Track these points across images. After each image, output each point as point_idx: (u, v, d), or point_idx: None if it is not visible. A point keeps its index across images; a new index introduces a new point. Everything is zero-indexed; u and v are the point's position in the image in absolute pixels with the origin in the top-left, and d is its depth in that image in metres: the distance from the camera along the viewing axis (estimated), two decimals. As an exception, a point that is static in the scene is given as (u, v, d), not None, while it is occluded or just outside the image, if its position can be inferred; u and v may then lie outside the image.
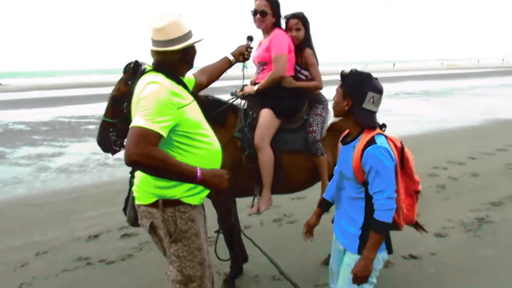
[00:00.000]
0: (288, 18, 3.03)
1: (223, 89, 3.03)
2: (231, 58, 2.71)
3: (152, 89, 1.77)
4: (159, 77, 1.84)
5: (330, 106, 3.18)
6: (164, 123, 1.72)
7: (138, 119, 1.70)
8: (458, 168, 6.41)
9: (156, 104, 1.72)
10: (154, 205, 1.92)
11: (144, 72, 1.99)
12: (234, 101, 3.05)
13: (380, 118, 3.24)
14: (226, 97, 3.08)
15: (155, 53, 1.93)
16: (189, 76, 2.36)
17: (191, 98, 1.96)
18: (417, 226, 2.38)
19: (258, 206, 2.91)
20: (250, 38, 2.88)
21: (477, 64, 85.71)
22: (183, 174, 1.74)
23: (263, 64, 3.06)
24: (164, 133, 1.72)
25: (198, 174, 1.74)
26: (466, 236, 3.90)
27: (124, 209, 2.33)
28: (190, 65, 2.04)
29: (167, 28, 1.86)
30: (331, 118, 3.06)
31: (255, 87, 2.98)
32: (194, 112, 1.93)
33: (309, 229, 2.39)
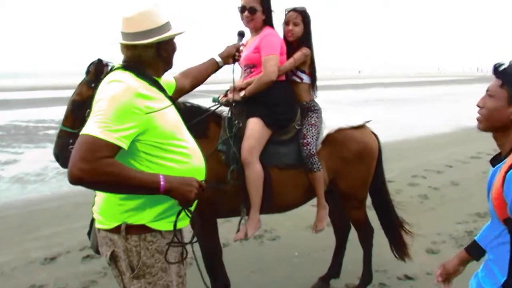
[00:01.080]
0: (288, 12, 2.72)
1: (204, 93, 2.67)
2: (219, 60, 2.37)
3: (113, 89, 1.50)
4: (125, 75, 1.57)
5: (323, 114, 2.91)
6: (123, 131, 1.45)
7: (90, 126, 1.44)
8: (437, 176, 6.36)
9: (115, 107, 1.45)
10: (116, 230, 1.61)
11: (110, 71, 1.66)
12: (216, 108, 2.69)
13: (347, 120, 2.88)
14: (207, 103, 2.72)
15: (124, 48, 1.65)
16: (169, 79, 2.03)
17: (167, 102, 1.68)
18: None
19: (246, 230, 2.55)
20: (241, 34, 2.53)
21: (438, 72, 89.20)
22: (143, 186, 1.47)
23: (250, 67, 2.72)
24: (123, 144, 1.45)
25: (162, 182, 1.47)
26: (459, 252, 3.72)
27: (89, 233, 1.95)
28: (167, 64, 1.76)
29: (138, 17, 1.59)
30: (326, 128, 2.76)
31: (242, 93, 2.63)
32: (169, 119, 1.64)
33: (447, 277, 1.76)
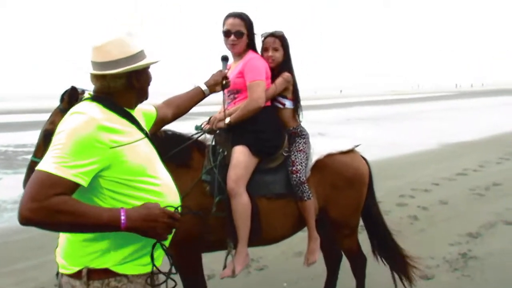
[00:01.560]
0: (265, 37, 2.62)
1: (189, 116, 2.53)
2: (204, 88, 2.25)
3: (73, 122, 1.41)
4: (90, 107, 1.49)
5: (312, 139, 2.80)
6: (82, 167, 1.35)
7: (45, 161, 1.35)
8: (424, 195, 6.30)
9: (74, 141, 1.36)
10: (78, 275, 1.47)
11: (80, 101, 1.56)
12: (199, 136, 2.55)
13: (336, 145, 2.87)
14: (192, 125, 2.60)
15: (94, 78, 1.57)
16: (149, 109, 1.92)
17: (139, 135, 1.58)
18: None
19: (233, 266, 2.38)
20: (225, 59, 2.42)
21: (417, 89, 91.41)
22: (102, 224, 1.35)
23: (234, 92, 2.60)
24: (81, 181, 1.35)
25: (122, 219, 1.35)
26: (455, 277, 3.60)
27: (58, 274, 1.77)
28: (141, 95, 1.67)
29: (108, 46, 1.52)
30: (314, 154, 2.64)
31: (227, 120, 2.50)
32: (140, 153, 1.53)
33: None
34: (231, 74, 2.61)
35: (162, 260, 1.58)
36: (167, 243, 1.56)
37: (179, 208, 1.56)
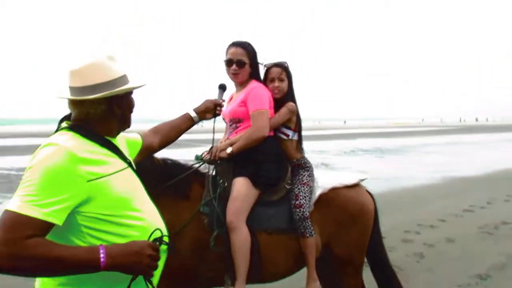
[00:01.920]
0: (270, 67, 2.59)
1: (190, 142, 2.45)
2: (194, 115, 2.17)
3: (45, 155, 1.30)
4: (65, 137, 1.38)
5: (315, 171, 2.71)
6: (56, 205, 1.24)
7: (14, 200, 1.24)
8: (431, 232, 6.10)
9: (46, 176, 1.25)
10: None
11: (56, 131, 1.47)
12: (199, 166, 2.47)
13: (341, 178, 2.73)
14: (193, 153, 2.53)
15: (71, 104, 1.47)
16: (133, 137, 1.83)
17: (121, 164, 1.47)
18: None
19: (230, 304, 2.24)
20: (222, 87, 2.38)
21: (421, 122, 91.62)
22: (80, 266, 1.24)
23: (236, 121, 2.54)
24: (55, 220, 1.24)
25: (102, 258, 1.24)
26: (466, 322, 3.40)
27: None
28: (123, 122, 1.57)
29: (86, 70, 1.42)
30: (318, 188, 2.54)
31: (228, 149, 2.43)
32: (121, 184, 1.42)
33: None
34: (234, 102, 2.57)
35: None
36: (155, 281, 1.43)
37: (166, 238, 1.44)
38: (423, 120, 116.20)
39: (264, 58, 2.64)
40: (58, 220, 1.25)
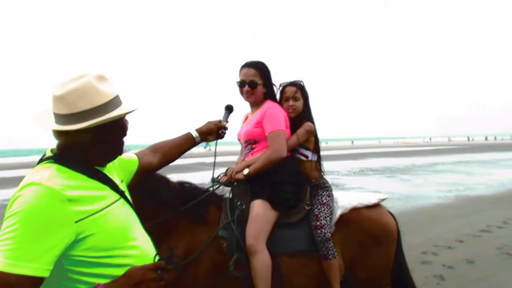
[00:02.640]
0: (285, 86, 2.57)
1: (201, 166, 2.39)
2: (195, 135, 2.05)
3: (26, 198, 1.14)
4: (48, 173, 1.23)
5: (335, 192, 2.65)
6: (44, 256, 1.11)
7: None
8: (449, 253, 5.93)
9: (28, 225, 1.11)
10: None
11: (39, 162, 1.34)
12: (216, 189, 2.43)
13: (360, 198, 2.62)
14: (204, 176, 2.47)
15: (55, 133, 1.32)
16: (129, 157, 1.70)
17: (112, 196, 1.35)
18: None
19: (252, 332, 2.15)
20: (228, 109, 2.31)
21: (429, 142, 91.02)
22: None
23: (252, 143, 2.51)
24: (46, 273, 1.12)
25: None
26: None
27: None
28: (114, 150, 1.42)
29: (71, 95, 1.25)
30: (339, 208, 2.47)
31: (245, 171, 2.38)
32: (112, 220, 1.30)
33: None
34: (249, 124, 2.54)
35: None
36: None
37: (156, 257, 1.34)
38: (430, 139, 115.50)
39: (282, 78, 2.64)
40: (48, 273, 1.14)
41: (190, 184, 2.37)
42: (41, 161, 1.34)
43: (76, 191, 1.22)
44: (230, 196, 2.43)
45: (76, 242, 1.20)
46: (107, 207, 1.29)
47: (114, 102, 1.32)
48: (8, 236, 1.10)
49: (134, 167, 1.72)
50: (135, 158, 1.76)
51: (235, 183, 2.43)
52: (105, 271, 1.25)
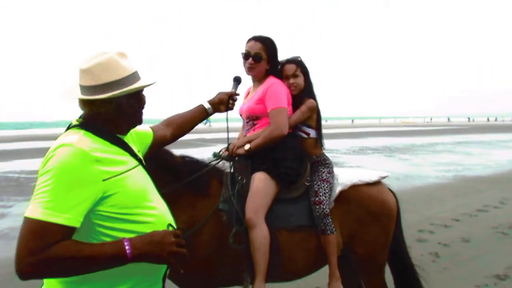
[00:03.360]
0: (283, 64, 2.53)
1: (202, 142, 2.40)
2: (208, 106, 2.12)
3: (60, 157, 1.29)
4: (77, 137, 1.37)
5: (335, 169, 2.66)
6: (76, 208, 1.26)
7: (34, 206, 1.24)
8: (445, 231, 6.02)
9: (63, 180, 1.26)
10: None
11: (67, 129, 1.48)
12: (217, 163, 2.44)
13: (361, 175, 2.65)
14: (205, 152, 2.47)
15: (82, 103, 1.47)
16: (144, 130, 1.81)
17: (132, 162, 1.48)
18: None
19: (250, 303, 2.20)
20: (237, 80, 2.32)
21: (429, 122, 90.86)
22: (107, 261, 1.29)
23: (253, 119, 2.50)
24: (77, 224, 1.27)
25: (127, 250, 1.29)
26: (486, 324, 3.32)
27: None
28: (133, 120, 1.56)
29: (96, 69, 1.40)
30: (339, 185, 2.48)
31: (246, 146, 2.39)
32: (133, 182, 1.44)
33: None
34: (251, 99, 2.52)
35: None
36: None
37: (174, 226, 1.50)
38: (431, 119, 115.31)
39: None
40: (79, 224, 1.28)
41: (191, 158, 2.37)
42: (68, 128, 1.47)
43: (101, 154, 1.36)
44: (231, 170, 2.44)
45: (102, 198, 1.32)
46: (128, 170, 1.41)
47: (134, 76, 1.46)
48: (44, 189, 1.24)
49: (149, 139, 1.83)
50: (150, 131, 1.88)
51: (236, 158, 2.44)
52: (128, 227, 1.37)
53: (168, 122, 2.03)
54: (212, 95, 2.24)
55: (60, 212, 1.23)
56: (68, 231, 1.26)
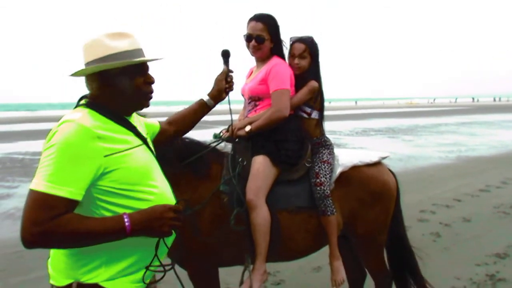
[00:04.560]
0: (293, 42, 2.50)
1: (205, 124, 2.41)
2: (207, 99, 2.08)
3: (63, 132, 1.33)
4: (79, 114, 1.40)
5: (336, 150, 2.66)
6: (78, 182, 1.30)
7: (38, 179, 1.29)
8: (446, 211, 6.05)
9: (66, 154, 1.30)
10: None
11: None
12: (218, 144, 2.44)
13: (361, 156, 2.62)
14: (208, 135, 2.48)
15: (87, 80, 1.51)
16: (152, 121, 1.87)
17: (135, 141, 1.51)
18: None
19: (250, 282, 2.24)
20: (225, 55, 2.15)
21: (433, 103, 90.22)
22: (107, 234, 1.33)
23: (255, 99, 2.49)
24: (79, 197, 1.32)
25: (127, 224, 1.33)
26: (484, 300, 3.37)
27: None
28: (139, 99, 1.54)
29: (87, 46, 1.47)
30: (339, 166, 2.49)
31: (247, 128, 2.39)
32: (136, 161, 1.47)
33: None
34: (254, 80, 2.50)
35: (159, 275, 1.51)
36: (170, 241, 1.52)
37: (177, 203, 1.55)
38: (434, 100, 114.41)
39: (293, 34, 2.55)
40: (81, 197, 1.32)
41: (191, 139, 2.37)
42: (75, 107, 1.51)
43: (104, 131, 1.39)
44: (232, 152, 2.44)
45: (103, 174, 1.36)
46: (130, 148, 1.45)
47: (137, 53, 1.48)
48: (48, 163, 1.29)
49: (155, 131, 1.89)
50: (157, 123, 1.94)
51: (237, 140, 2.44)
52: (128, 203, 1.41)
53: (170, 121, 2.06)
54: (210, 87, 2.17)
55: (63, 185, 1.27)
56: (71, 203, 1.30)
